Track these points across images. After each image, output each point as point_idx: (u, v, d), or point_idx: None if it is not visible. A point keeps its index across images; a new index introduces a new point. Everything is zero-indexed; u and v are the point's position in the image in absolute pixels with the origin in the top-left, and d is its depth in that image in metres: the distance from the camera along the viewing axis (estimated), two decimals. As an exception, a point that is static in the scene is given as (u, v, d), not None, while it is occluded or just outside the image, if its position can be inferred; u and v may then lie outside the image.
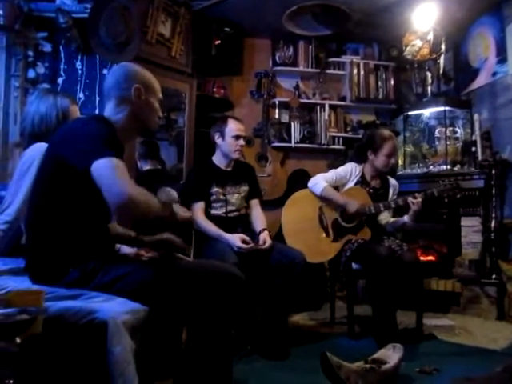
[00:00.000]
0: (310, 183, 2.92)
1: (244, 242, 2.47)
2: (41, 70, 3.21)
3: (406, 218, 2.84)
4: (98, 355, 1.22)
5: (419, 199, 2.72)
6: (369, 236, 2.84)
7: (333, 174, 2.94)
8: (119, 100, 1.59)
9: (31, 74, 3.18)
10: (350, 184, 2.96)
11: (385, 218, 2.98)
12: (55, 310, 1.27)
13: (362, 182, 2.96)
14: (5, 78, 3.10)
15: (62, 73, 3.27)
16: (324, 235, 2.87)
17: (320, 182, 2.87)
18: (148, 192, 1.43)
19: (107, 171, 1.33)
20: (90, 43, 3.15)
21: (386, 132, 2.99)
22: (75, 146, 1.40)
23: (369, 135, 3.05)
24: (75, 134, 1.44)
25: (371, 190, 2.94)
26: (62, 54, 3.27)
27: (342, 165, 3.08)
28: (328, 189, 2.85)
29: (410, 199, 2.74)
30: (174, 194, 1.68)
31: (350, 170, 2.96)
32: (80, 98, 3.21)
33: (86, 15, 3.12)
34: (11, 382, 1.05)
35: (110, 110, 1.60)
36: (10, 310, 1.11)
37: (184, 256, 1.90)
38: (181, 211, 1.63)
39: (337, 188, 2.99)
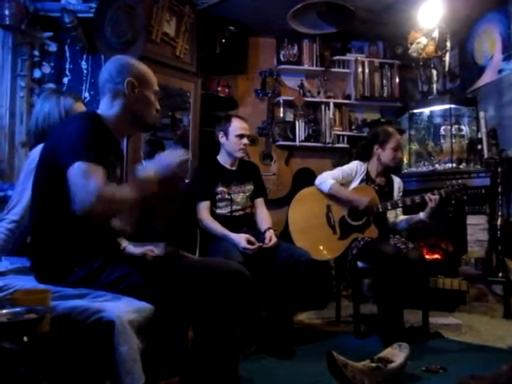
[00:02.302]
0: (318, 181, 2.91)
1: (249, 242, 2.46)
2: (46, 69, 3.22)
3: (421, 215, 2.81)
4: (104, 354, 1.22)
5: (437, 196, 2.71)
6: (376, 235, 2.83)
7: (339, 172, 2.94)
8: (113, 94, 1.58)
9: (37, 73, 3.20)
10: (356, 182, 2.95)
11: (393, 216, 2.98)
12: (62, 309, 1.28)
13: (367, 179, 2.95)
14: (11, 77, 3.12)
15: (67, 72, 3.29)
16: (331, 233, 2.85)
17: (327, 179, 2.86)
18: (116, 187, 1.40)
19: (75, 178, 1.32)
20: (95, 43, 3.17)
21: (390, 128, 3.06)
22: (60, 146, 1.41)
23: (373, 131, 3.11)
24: (61, 134, 1.45)
25: (376, 187, 2.93)
26: (68, 54, 3.29)
27: (346, 163, 3.08)
28: (336, 186, 2.85)
29: (427, 196, 2.73)
30: (177, 156, 1.45)
31: (355, 168, 2.95)
32: (85, 98, 3.22)
33: (91, 15, 3.14)
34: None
35: (104, 105, 1.60)
36: (17, 309, 1.11)
37: (189, 254, 1.90)
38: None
39: (342, 186, 2.98)
